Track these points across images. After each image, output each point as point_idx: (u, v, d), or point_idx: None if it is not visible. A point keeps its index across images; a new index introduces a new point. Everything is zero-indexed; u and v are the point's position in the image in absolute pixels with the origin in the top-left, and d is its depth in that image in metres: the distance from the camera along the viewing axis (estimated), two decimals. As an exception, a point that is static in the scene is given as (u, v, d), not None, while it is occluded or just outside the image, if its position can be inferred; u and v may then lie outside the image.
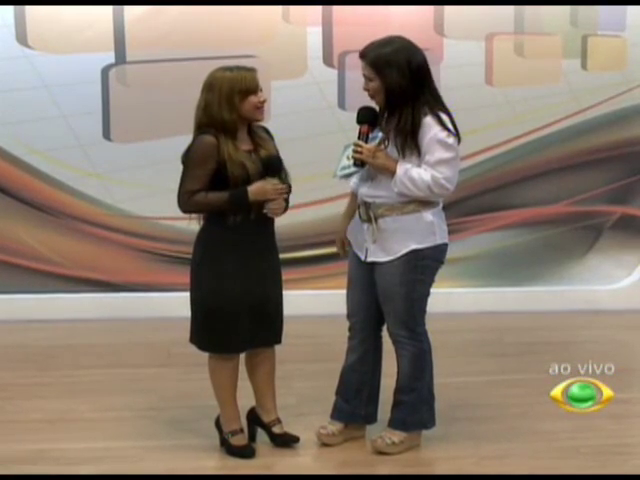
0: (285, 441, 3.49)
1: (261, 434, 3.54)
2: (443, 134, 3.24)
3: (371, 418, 3.59)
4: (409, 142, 3.25)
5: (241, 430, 3.46)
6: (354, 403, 3.55)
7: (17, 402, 4.04)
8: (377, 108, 3.36)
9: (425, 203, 3.32)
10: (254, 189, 3.22)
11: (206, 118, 3.25)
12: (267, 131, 3.44)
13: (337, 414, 3.57)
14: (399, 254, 3.32)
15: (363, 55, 3.30)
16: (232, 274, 3.30)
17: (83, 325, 5.29)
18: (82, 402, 4.01)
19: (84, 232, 5.48)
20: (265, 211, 3.26)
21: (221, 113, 3.22)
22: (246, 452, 3.43)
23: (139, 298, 5.43)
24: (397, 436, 3.45)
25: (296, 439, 3.49)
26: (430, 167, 3.24)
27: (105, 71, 5.33)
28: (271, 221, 3.40)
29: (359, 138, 3.32)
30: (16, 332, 5.16)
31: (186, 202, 3.26)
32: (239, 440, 3.44)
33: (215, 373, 3.42)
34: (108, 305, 5.44)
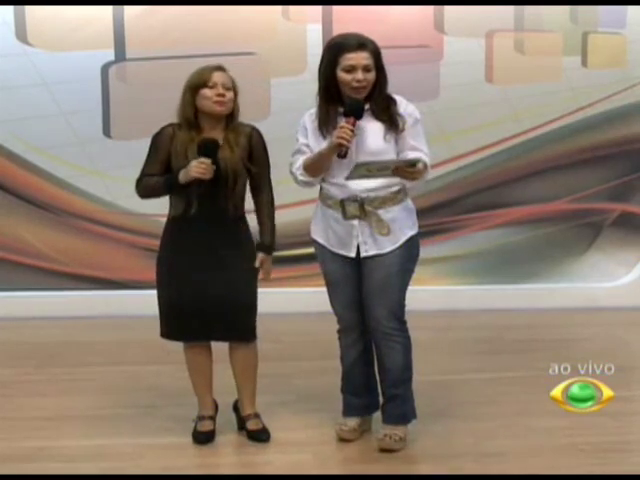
0: (255, 437, 3.52)
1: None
2: (417, 112, 3.37)
3: (378, 405, 3.61)
4: (394, 118, 3.32)
5: (209, 417, 3.54)
6: (365, 396, 3.57)
7: (16, 400, 4.04)
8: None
9: (406, 192, 3.40)
10: (184, 170, 3.31)
11: (177, 116, 3.43)
12: (251, 134, 3.43)
13: (351, 411, 3.58)
14: (400, 242, 3.35)
15: (364, 45, 3.28)
16: (170, 267, 3.42)
17: (82, 322, 5.29)
18: (81, 399, 4.01)
19: (84, 229, 5.49)
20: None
21: (182, 109, 3.40)
22: (201, 438, 3.50)
23: (138, 295, 5.41)
24: (401, 431, 3.46)
25: (267, 436, 3.51)
26: (416, 147, 3.34)
27: (105, 68, 5.33)
28: (224, 220, 3.40)
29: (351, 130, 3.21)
30: (15, 329, 5.16)
31: (136, 185, 3.49)
32: (202, 426, 3.53)
33: (186, 358, 3.56)
34: (107, 302, 5.45)
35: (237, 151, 3.38)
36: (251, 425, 3.54)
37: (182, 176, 3.31)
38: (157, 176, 3.41)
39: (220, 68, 3.40)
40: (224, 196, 3.37)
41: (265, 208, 3.49)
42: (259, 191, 3.47)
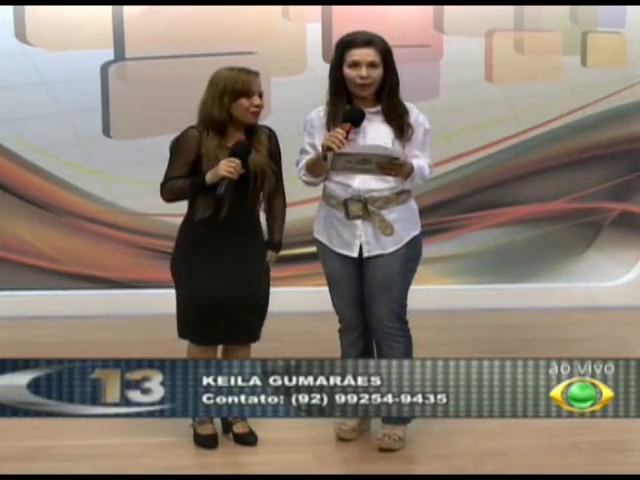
0: (242, 440, 3.51)
1: (262, 432, 3.54)
2: (427, 122, 3.37)
3: None
4: (404, 127, 3.32)
5: (209, 420, 3.50)
6: None
7: (17, 399, 4.03)
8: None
9: (410, 192, 3.40)
10: (212, 170, 3.27)
11: (201, 113, 3.36)
12: (270, 135, 3.45)
13: None
14: (403, 242, 3.36)
15: (370, 42, 3.25)
16: (197, 270, 3.39)
17: (83, 322, 5.29)
18: (82, 399, 4.00)
19: (84, 229, 5.48)
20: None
21: (212, 110, 3.31)
22: (207, 442, 3.48)
23: (139, 295, 5.43)
24: (401, 431, 3.47)
25: (254, 439, 3.50)
26: (420, 156, 3.34)
27: (104, 68, 5.33)
28: (251, 221, 3.42)
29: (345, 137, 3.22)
30: (16, 329, 5.15)
31: (160, 189, 3.40)
32: (204, 429, 3.50)
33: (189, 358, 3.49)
34: (108, 302, 5.44)
35: (263, 152, 3.38)
36: (238, 428, 3.52)
37: (209, 176, 3.26)
38: (182, 179, 3.35)
39: (257, 74, 3.35)
40: (252, 197, 3.38)
41: (280, 209, 3.50)
42: (275, 192, 3.46)
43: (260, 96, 3.33)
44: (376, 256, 3.36)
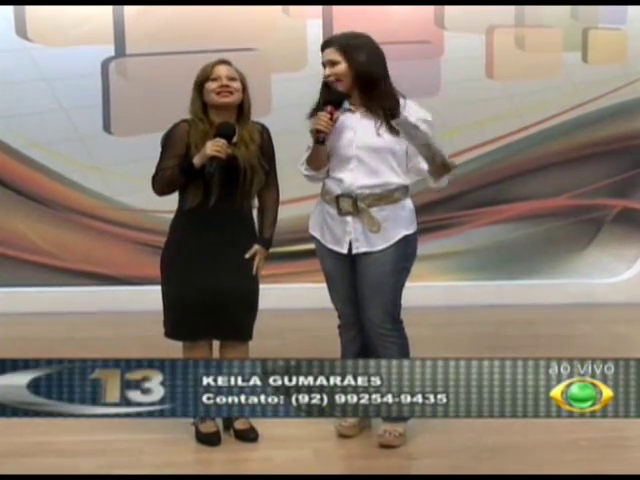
0: (243, 436, 3.50)
1: (263, 428, 3.55)
2: (429, 116, 3.37)
3: None
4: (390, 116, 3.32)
5: (210, 418, 3.49)
6: None
7: (17, 395, 4.04)
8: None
9: (405, 191, 3.39)
10: (199, 153, 3.29)
11: (189, 112, 3.44)
12: (262, 131, 3.46)
13: None
14: (392, 241, 3.36)
15: (329, 42, 3.38)
16: (185, 262, 3.39)
17: (82, 318, 5.29)
18: (82, 395, 4.00)
19: (84, 225, 5.49)
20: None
21: (192, 104, 3.42)
22: (211, 439, 3.47)
23: (138, 291, 5.43)
24: (401, 427, 3.47)
25: (255, 435, 3.50)
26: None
27: (105, 64, 5.33)
28: (240, 217, 3.42)
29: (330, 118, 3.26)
30: (15, 325, 5.16)
31: (152, 182, 3.42)
32: (207, 427, 3.49)
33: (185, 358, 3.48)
34: (107, 298, 5.45)
35: (252, 147, 3.39)
36: (239, 425, 3.52)
37: (197, 159, 3.28)
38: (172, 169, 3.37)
39: (223, 62, 3.41)
40: (241, 193, 3.37)
41: (271, 205, 3.50)
42: (267, 189, 3.46)
43: (231, 79, 3.35)
44: (365, 253, 3.36)
